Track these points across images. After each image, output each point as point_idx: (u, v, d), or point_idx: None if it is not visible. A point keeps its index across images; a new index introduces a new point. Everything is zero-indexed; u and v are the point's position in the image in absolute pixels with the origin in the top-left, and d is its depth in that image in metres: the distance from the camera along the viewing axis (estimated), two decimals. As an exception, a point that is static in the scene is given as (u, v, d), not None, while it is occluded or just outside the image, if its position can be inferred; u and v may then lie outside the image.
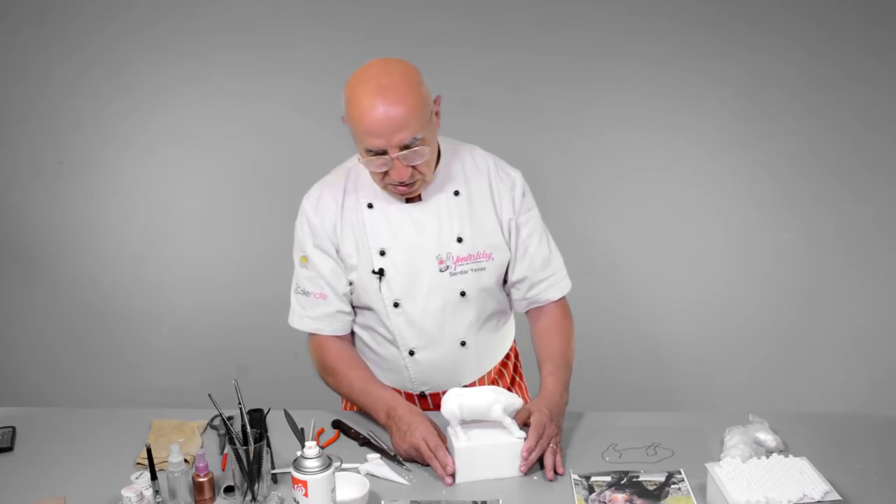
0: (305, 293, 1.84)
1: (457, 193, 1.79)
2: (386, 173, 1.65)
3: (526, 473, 1.58)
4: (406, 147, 1.60)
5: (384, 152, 1.61)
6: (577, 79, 2.74)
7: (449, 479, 1.56)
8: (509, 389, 1.97)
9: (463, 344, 1.80)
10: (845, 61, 2.68)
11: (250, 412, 1.62)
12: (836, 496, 1.39)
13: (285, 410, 1.68)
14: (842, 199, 2.79)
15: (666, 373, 2.95)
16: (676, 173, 2.81)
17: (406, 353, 1.81)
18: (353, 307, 1.85)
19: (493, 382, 1.93)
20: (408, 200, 1.78)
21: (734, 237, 2.85)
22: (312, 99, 2.80)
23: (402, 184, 1.67)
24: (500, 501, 1.49)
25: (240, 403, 1.51)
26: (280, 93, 2.78)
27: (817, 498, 1.38)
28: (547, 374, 1.77)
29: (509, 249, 1.82)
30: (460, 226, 1.77)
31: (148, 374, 3.00)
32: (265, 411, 1.72)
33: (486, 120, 2.70)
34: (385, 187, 1.72)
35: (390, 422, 1.69)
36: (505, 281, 1.88)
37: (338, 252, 1.80)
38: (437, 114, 1.69)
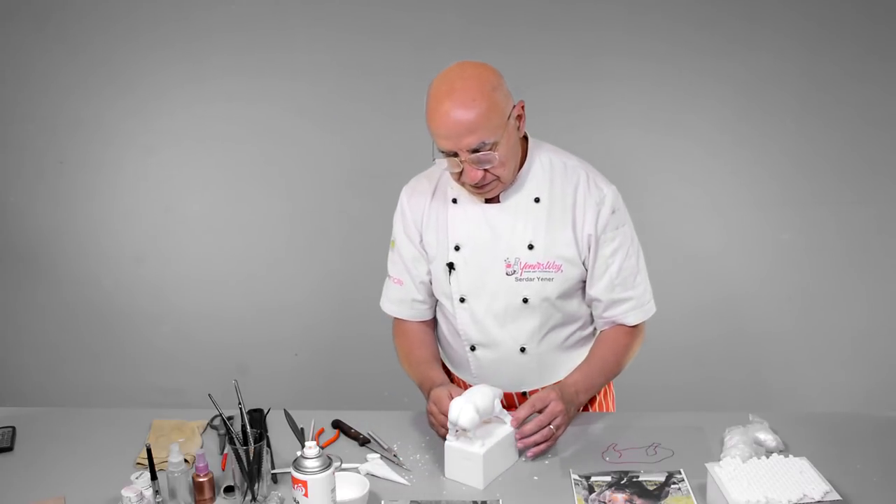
0: (389, 276, 1.91)
1: (537, 200, 1.76)
2: (460, 174, 1.67)
3: (521, 452, 1.62)
4: (475, 151, 1.61)
5: (455, 154, 1.63)
6: (578, 78, 2.74)
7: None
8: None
9: (523, 350, 1.80)
10: (845, 60, 2.68)
11: (250, 412, 1.62)
12: (836, 496, 1.39)
13: (285, 410, 1.68)
14: (842, 198, 2.79)
15: (666, 373, 2.94)
16: (677, 173, 2.81)
17: (468, 348, 1.83)
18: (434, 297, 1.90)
19: None
20: (487, 201, 1.78)
21: (734, 236, 2.85)
22: (313, 100, 2.80)
23: (475, 185, 1.68)
24: (500, 501, 1.50)
25: (240, 403, 1.51)
26: (280, 93, 2.78)
27: (817, 498, 1.38)
28: (575, 370, 1.79)
29: (583, 265, 1.78)
30: (534, 233, 1.75)
31: (148, 374, 3.00)
32: (265, 411, 1.72)
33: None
34: (463, 186, 1.73)
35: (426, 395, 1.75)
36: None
37: (422, 241, 1.84)
38: (519, 117, 1.70)
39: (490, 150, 1.62)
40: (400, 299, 1.90)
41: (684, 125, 2.77)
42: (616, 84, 2.74)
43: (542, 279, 1.75)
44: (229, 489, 1.52)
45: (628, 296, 1.80)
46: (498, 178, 1.68)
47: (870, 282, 2.86)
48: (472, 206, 1.78)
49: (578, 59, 2.72)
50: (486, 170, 1.64)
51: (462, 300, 1.80)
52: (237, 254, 2.94)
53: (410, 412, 1.84)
